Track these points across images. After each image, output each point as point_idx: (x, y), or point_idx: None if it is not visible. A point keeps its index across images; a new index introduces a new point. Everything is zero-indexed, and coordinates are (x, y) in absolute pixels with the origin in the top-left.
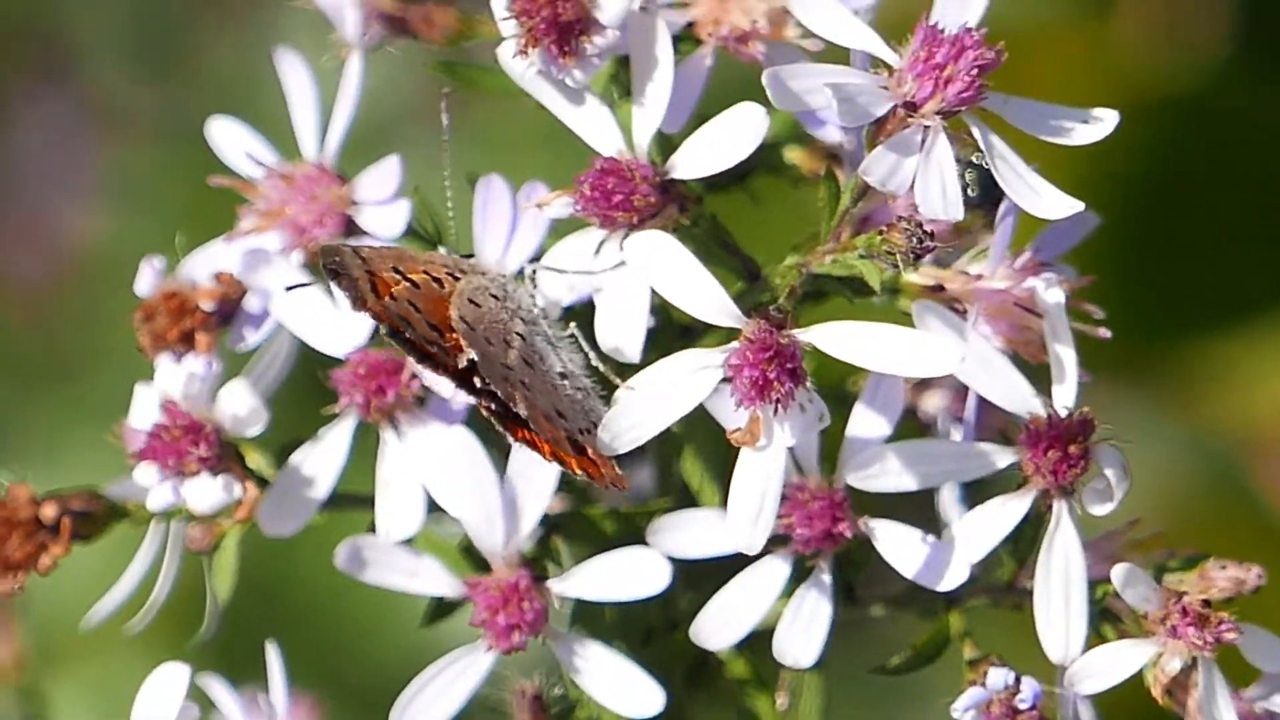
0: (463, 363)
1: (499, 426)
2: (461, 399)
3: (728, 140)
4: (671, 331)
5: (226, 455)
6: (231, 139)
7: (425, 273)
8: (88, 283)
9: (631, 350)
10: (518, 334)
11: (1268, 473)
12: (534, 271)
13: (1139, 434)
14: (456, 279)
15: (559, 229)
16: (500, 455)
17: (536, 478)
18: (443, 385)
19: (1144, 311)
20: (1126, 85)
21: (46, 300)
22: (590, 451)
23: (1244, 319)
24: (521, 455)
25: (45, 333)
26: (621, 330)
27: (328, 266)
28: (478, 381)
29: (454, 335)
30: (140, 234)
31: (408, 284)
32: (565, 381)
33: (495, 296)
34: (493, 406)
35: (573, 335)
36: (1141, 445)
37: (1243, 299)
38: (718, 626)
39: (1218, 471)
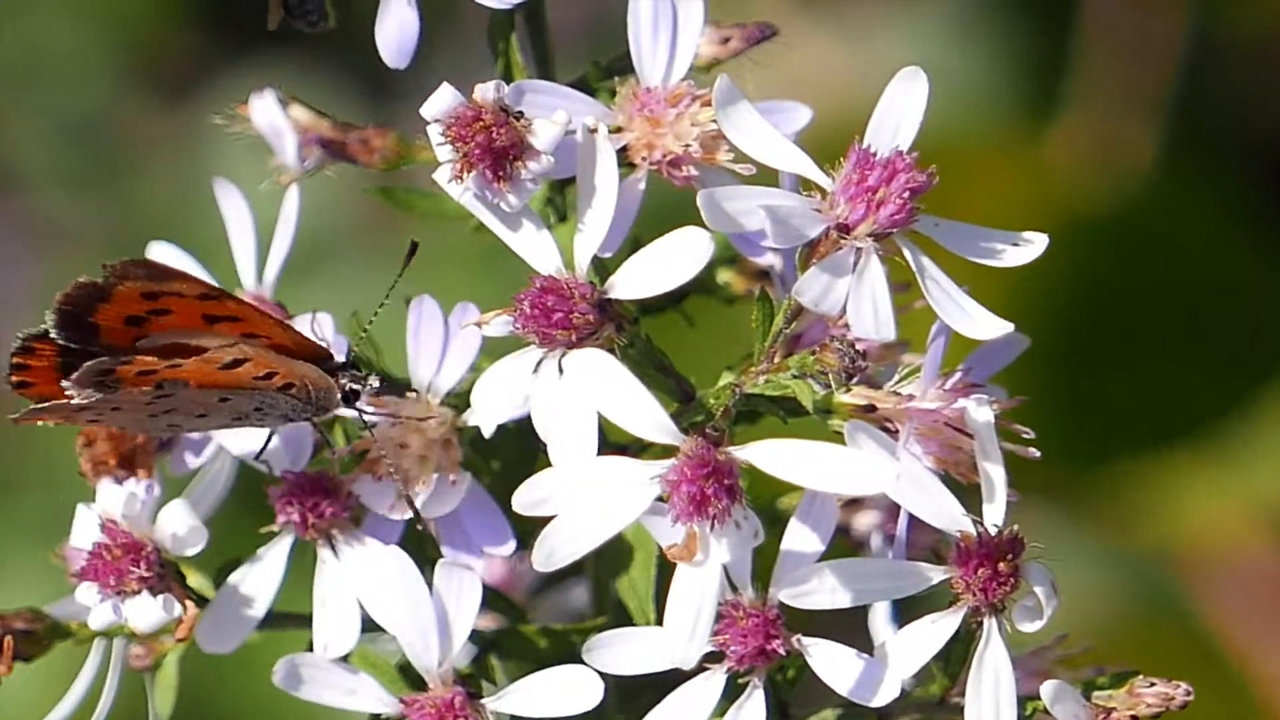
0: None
1: None
2: None
3: (670, 263)
4: (607, 450)
5: (166, 574)
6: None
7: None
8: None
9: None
10: None
11: (1197, 591)
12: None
13: (1070, 554)
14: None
15: (492, 349)
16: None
17: (464, 593)
18: None
19: (1074, 433)
20: (1058, 207)
21: None
22: None
23: (1172, 440)
24: (444, 572)
25: None
26: (573, 445)
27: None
28: None
29: None
30: None
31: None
32: None
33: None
34: None
35: None
36: (1072, 565)
37: (1171, 420)
38: None
39: (1148, 590)
